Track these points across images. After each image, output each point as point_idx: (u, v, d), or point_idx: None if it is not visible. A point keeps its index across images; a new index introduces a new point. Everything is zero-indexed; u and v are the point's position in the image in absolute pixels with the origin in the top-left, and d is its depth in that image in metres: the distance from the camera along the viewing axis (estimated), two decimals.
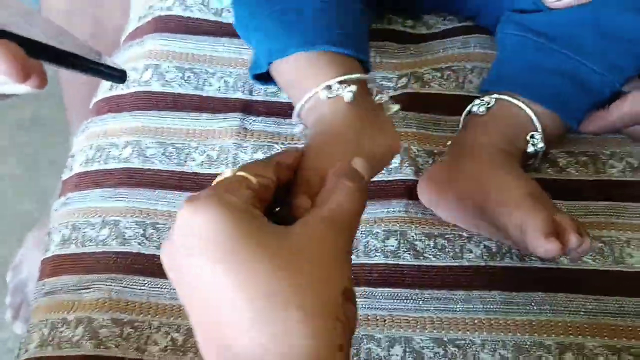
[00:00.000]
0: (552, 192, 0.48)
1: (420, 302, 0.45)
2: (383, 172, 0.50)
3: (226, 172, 0.33)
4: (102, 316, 0.45)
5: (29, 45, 0.30)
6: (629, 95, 0.46)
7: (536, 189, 0.43)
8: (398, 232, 0.48)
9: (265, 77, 0.48)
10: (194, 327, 0.29)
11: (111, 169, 0.53)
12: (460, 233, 0.48)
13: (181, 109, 0.55)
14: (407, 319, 0.44)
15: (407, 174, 0.51)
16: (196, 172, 0.52)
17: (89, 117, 0.58)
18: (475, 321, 0.44)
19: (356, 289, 0.45)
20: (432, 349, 0.43)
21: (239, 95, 0.56)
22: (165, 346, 0.44)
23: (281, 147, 0.53)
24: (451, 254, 0.47)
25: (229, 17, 0.59)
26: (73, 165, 0.56)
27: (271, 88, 0.55)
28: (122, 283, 0.47)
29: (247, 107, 0.55)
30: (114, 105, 0.57)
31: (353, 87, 0.42)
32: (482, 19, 0.58)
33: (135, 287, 0.47)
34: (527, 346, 0.43)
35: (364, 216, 0.49)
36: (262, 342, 0.27)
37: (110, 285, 0.47)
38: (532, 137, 0.47)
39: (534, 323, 0.44)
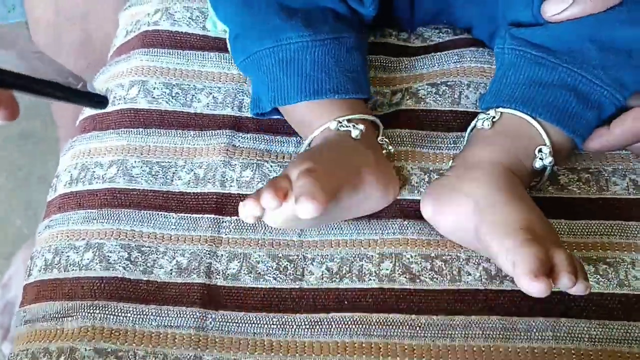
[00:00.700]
0: (554, 210, 0.47)
1: (417, 329, 0.43)
2: None
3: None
4: (84, 346, 0.43)
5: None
6: (631, 111, 0.45)
7: (535, 218, 0.41)
8: (393, 255, 0.46)
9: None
10: None
11: (95, 190, 0.51)
12: (458, 254, 0.46)
13: (168, 127, 0.53)
14: (403, 346, 0.43)
15: (401, 193, 0.49)
16: (182, 192, 0.50)
17: (76, 135, 0.56)
18: (475, 349, 0.42)
19: (350, 315, 0.44)
20: None
21: (228, 111, 0.54)
22: None
23: (271, 165, 0.51)
24: (448, 277, 0.45)
25: (218, 31, 0.57)
26: (57, 185, 0.54)
27: None
28: (105, 310, 0.45)
29: (237, 124, 0.53)
30: (99, 123, 0.55)
31: (361, 126, 0.47)
32: (477, 32, 0.56)
33: (119, 314, 0.45)
34: None
35: (358, 237, 0.48)
36: None
37: (94, 312, 0.45)
38: (540, 151, 0.45)
39: (536, 351, 0.42)
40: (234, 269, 0.47)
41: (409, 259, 0.46)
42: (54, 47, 0.77)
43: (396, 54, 0.57)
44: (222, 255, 0.47)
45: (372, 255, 0.46)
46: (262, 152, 0.52)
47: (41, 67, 0.34)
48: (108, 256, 0.47)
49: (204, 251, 0.47)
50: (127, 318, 0.45)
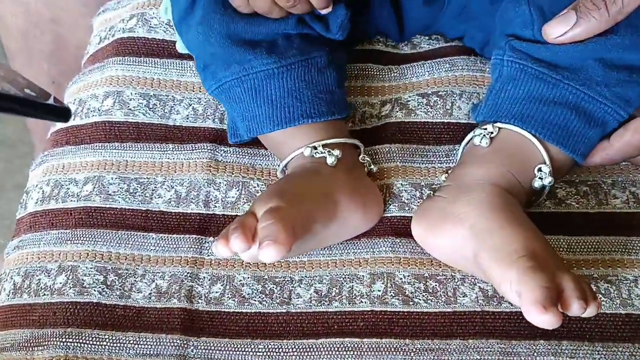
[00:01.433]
0: (552, 226, 0.45)
1: (412, 354, 0.41)
2: None
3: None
4: None
5: None
6: (631, 123, 0.43)
7: (535, 242, 0.39)
8: (385, 275, 0.44)
9: None
10: None
11: (70, 208, 0.48)
12: (453, 274, 0.44)
13: (145, 140, 0.50)
14: None
15: (391, 211, 0.47)
16: (163, 211, 0.47)
17: (47, 148, 0.53)
18: None
19: (340, 341, 0.41)
20: None
21: (209, 123, 0.51)
22: None
23: (257, 184, 0.48)
24: (443, 298, 0.43)
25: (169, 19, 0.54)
26: (27, 202, 0.51)
27: None
28: (80, 338, 0.42)
29: (219, 137, 0.50)
30: (73, 137, 0.52)
31: (337, 152, 0.45)
32: (468, 40, 0.54)
33: (94, 342, 0.42)
34: None
35: (347, 256, 0.45)
36: None
37: (67, 341, 0.42)
38: (539, 170, 0.43)
39: None
40: (216, 292, 0.44)
41: (401, 279, 0.44)
42: (27, 53, 0.74)
43: (385, 62, 0.54)
44: (204, 277, 0.45)
45: (362, 276, 0.44)
46: (247, 167, 0.49)
47: (4, 80, 0.31)
48: (82, 280, 0.45)
49: (185, 273, 0.45)
50: (103, 347, 0.42)
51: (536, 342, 0.41)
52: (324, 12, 0.45)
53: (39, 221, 0.49)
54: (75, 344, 0.42)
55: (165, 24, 0.55)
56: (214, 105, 0.52)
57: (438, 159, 0.49)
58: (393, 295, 0.43)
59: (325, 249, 0.45)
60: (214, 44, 0.46)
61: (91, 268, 0.45)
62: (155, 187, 0.48)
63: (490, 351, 0.41)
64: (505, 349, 0.41)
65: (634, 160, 0.46)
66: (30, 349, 0.42)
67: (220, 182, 0.48)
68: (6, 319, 0.45)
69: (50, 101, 0.31)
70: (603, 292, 0.42)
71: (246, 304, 0.44)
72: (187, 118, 0.52)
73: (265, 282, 0.44)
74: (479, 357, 0.40)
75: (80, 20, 0.69)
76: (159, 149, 0.50)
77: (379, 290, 0.43)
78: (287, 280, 0.45)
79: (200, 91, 0.53)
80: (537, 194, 0.45)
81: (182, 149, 0.50)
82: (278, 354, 0.42)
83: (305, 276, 0.45)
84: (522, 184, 0.43)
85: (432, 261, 0.44)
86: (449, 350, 0.41)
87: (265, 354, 0.42)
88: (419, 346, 0.41)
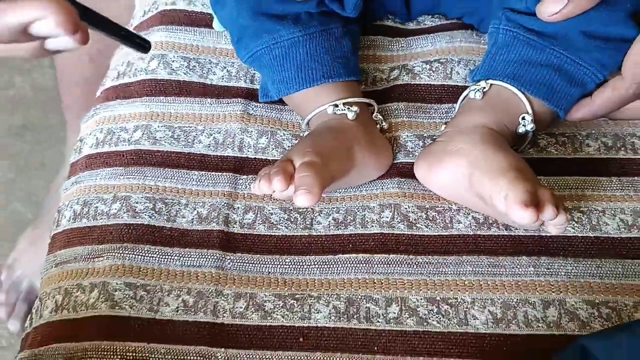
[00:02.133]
0: (534, 169, 0.52)
1: (414, 267, 0.49)
2: None
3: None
4: (115, 280, 0.48)
5: (78, 8, 0.34)
6: (610, 82, 0.51)
7: (522, 163, 0.47)
8: (392, 205, 0.52)
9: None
10: None
11: (122, 151, 0.56)
12: (450, 206, 0.52)
13: (187, 95, 0.58)
14: (402, 281, 0.48)
15: (398, 158, 0.55)
16: (203, 154, 0.55)
17: (98, 103, 0.61)
18: (466, 282, 0.48)
19: (354, 256, 0.49)
20: (427, 307, 0.46)
21: (241, 84, 0.59)
22: (177, 307, 0.47)
23: (284, 133, 0.56)
24: (441, 224, 0.51)
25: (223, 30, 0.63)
26: (82, 147, 0.58)
27: None
28: (134, 251, 0.50)
29: (250, 95, 0.58)
30: (122, 92, 0.60)
31: (356, 108, 0.52)
32: (467, 19, 0.63)
33: (146, 255, 0.50)
34: (513, 303, 0.46)
35: (360, 192, 0.53)
36: None
37: (123, 252, 0.49)
38: (523, 118, 0.51)
39: (519, 283, 0.47)
40: (249, 219, 0.52)
41: (406, 209, 0.51)
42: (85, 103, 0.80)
43: (393, 35, 0.63)
44: (238, 207, 0.52)
45: (373, 207, 0.52)
46: (275, 120, 0.57)
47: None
48: (134, 206, 0.52)
49: (222, 203, 0.52)
50: (154, 258, 0.49)
51: (519, 258, 0.48)
52: None
53: (94, 162, 0.56)
54: (131, 256, 0.49)
55: None
56: (245, 68, 0.60)
57: (439, 115, 0.57)
58: (399, 221, 0.51)
59: (339, 188, 0.53)
60: (246, 17, 0.54)
61: (142, 197, 0.53)
62: (196, 134, 0.56)
63: (481, 264, 0.48)
64: (494, 263, 0.48)
65: (610, 115, 0.54)
66: (92, 260, 0.50)
67: (252, 131, 0.56)
68: (68, 240, 0.52)
69: None
70: (576, 219, 0.50)
71: (274, 229, 0.51)
72: (222, 78, 0.60)
73: (291, 212, 0.52)
74: (471, 269, 0.48)
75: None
76: (199, 102, 0.58)
77: (387, 217, 0.51)
78: (309, 211, 0.52)
79: (233, 57, 0.61)
80: (521, 140, 0.53)
81: (219, 103, 0.58)
82: (302, 266, 0.49)
83: (325, 208, 0.52)
84: (509, 129, 0.51)
85: (432, 196, 0.52)
86: (446, 263, 0.49)
87: (291, 266, 0.49)
88: (420, 260, 0.49)
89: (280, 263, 0.49)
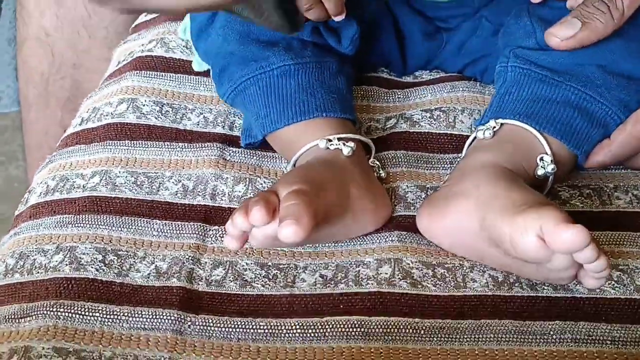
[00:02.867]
0: None
1: (422, 332, 0.39)
2: None
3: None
4: (42, 345, 0.38)
5: None
6: (630, 117, 0.45)
7: (544, 199, 0.39)
8: (392, 260, 0.43)
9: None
10: None
11: (74, 198, 0.48)
12: (461, 262, 0.43)
13: (156, 140, 0.51)
14: (406, 351, 0.38)
15: (397, 210, 0.47)
16: (169, 202, 0.47)
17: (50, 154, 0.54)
18: (487, 352, 0.38)
19: (347, 319, 0.40)
20: None
21: (218, 129, 0.53)
22: None
23: (265, 181, 0.49)
24: (452, 283, 0.42)
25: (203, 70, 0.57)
26: (29, 198, 0.50)
27: None
28: (71, 309, 0.40)
29: (227, 140, 0.51)
30: (83, 138, 0.53)
31: (352, 144, 0.45)
32: (469, 71, 0.58)
33: (86, 314, 0.40)
34: None
35: (353, 246, 0.45)
36: None
37: (57, 311, 0.40)
38: (541, 159, 0.44)
39: (555, 354, 0.38)
40: (218, 275, 0.43)
41: (409, 264, 0.43)
42: (43, 100, 0.76)
43: (389, 87, 0.57)
44: (206, 262, 0.44)
45: (369, 262, 0.43)
46: (254, 166, 0.50)
47: None
48: (80, 258, 0.43)
49: (187, 257, 0.44)
50: (95, 318, 0.40)
51: (552, 323, 0.39)
52: (337, 18, 0.48)
53: (40, 211, 0.48)
54: (66, 315, 0.40)
55: (183, 46, 0.59)
56: (224, 114, 0.54)
57: (442, 165, 0.50)
58: (400, 278, 0.42)
59: (331, 242, 0.45)
60: (233, 42, 0.48)
61: (90, 248, 0.44)
62: (162, 180, 0.48)
63: (505, 330, 0.39)
64: (520, 329, 0.39)
65: (629, 163, 0.47)
66: (17, 321, 0.40)
67: (227, 177, 0.49)
68: None
69: None
70: (616, 279, 0.42)
71: (248, 286, 0.42)
72: (198, 124, 0.53)
73: (269, 268, 0.43)
74: (493, 336, 0.39)
75: (97, 66, 0.73)
76: (168, 147, 0.51)
77: (386, 273, 0.42)
78: (292, 267, 0.43)
79: (212, 103, 0.55)
80: (539, 188, 0.45)
81: (191, 148, 0.51)
82: (280, 331, 0.39)
83: (310, 264, 0.44)
84: (526, 170, 0.44)
85: (439, 251, 0.44)
86: (461, 329, 0.39)
87: (267, 331, 0.40)
88: (428, 325, 0.39)
89: (254, 327, 0.40)
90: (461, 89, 0.55)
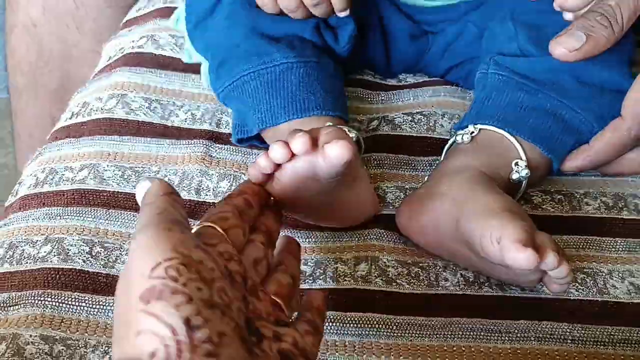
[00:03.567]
0: None
1: (394, 328, 0.41)
2: None
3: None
4: (30, 333, 0.39)
5: None
6: (610, 124, 0.46)
7: (518, 207, 0.41)
8: (369, 258, 0.45)
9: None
10: None
11: (62, 190, 0.49)
12: (435, 262, 0.45)
13: (143, 135, 0.53)
14: (379, 345, 0.40)
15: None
16: None
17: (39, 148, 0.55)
18: (455, 348, 0.40)
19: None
20: None
21: (205, 126, 0.54)
22: None
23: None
24: (426, 282, 0.44)
25: (193, 62, 0.58)
26: (19, 190, 0.51)
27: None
28: (58, 299, 0.41)
29: (213, 136, 0.53)
30: (72, 132, 0.54)
31: (354, 133, 0.46)
32: (452, 75, 0.59)
33: (72, 303, 0.41)
34: None
35: (333, 244, 0.46)
36: None
37: (44, 300, 0.41)
38: (516, 164, 0.46)
39: (518, 351, 0.40)
40: None
41: (385, 262, 0.44)
42: (32, 89, 0.77)
43: (373, 89, 0.59)
44: None
45: (347, 259, 0.45)
46: (239, 164, 0.51)
47: None
48: (67, 249, 0.45)
49: None
50: (82, 308, 0.41)
51: (517, 322, 0.41)
52: (342, 14, 0.49)
53: (30, 203, 0.49)
54: (54, 304, 0.41)
55: (173, 43, 0.60)
56: (211, 112, 0.55)
57: (422, 167, 0.52)
58: (376, 275, 0.44)
59: (309, 238, 0.46)
60: (237, 35, 0.49)
61: (78, 240, 0.45)
62: (149, 175, 0.50)
63: (472, 328, 0.41)
64: (487, 327, 0.41)
65: (604, 169, 0.49)
66: (5, 309, 0.41)
67: (212, 174, 0.50)
68: None
69: None
70: (579, 281, 0.44)
71: None
72: (185, 121, 0.54)
73: None
74: (461, 333, 0.41)
75: (87, 57, 0.74)
76: (156, 143, 0.52)
77: (363, 271, 0.44)
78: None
79: (199, 100, 0.56)
80: (512, 191, 0.47)
81: (178, 144, 0.52)
82: None
83: None
84: (501, 174, 0.46)
85: (415, 251, 0.45)
86: (431, 326, 0.41)
87: None
88: (400, 321, 0.41)
89: None
90: (442, 93, 0.57)
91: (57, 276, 0.43)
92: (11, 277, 0.44)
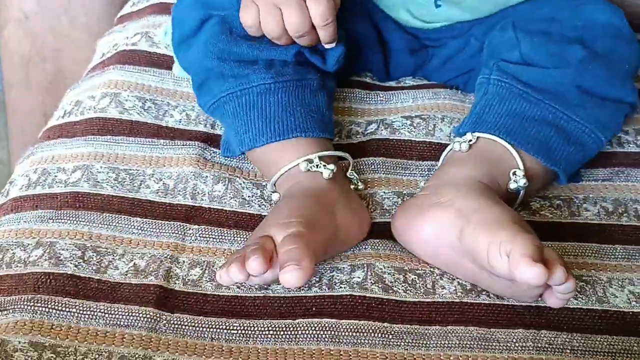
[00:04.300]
0: None
1: (390, 337, 0.40)
2: None
3: None
4: (18, 339, 0.39)
5: None
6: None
7: (523, 221, 0.41)
8: (365, 265, 0.44)
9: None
10: None
11: (55, 193, 0.48)
12: (432, 269, 0.44)
13: (137, 135, 0.52)
14: (374, 354, 0.39)
15: (374, 217, 0.48)
16: (150, 200, 0.48)
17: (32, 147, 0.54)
18: (452, 357, 0.39)
19: (317, 321, 0.41)
20: None
21: (200, 128, 0.53)
22: None
23: (244, 181, 0.49)
24: (422, 289, 0.43)
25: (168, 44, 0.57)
26: (10, 190, 0.51)
27: None
28: (48, 304, 0.41)
29: (208, 139, 0.52)
30: (65, 131, 0.53)
31: (332, 166, 0.46)
32: (450, 83, 0.58)
33: (63, 309, 0.41)
34: None
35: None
36: None
37: (34, 305, 0.40)
38: (514, 174, 0.45)
39: None
40: (195, 275, 0.44)
41: (381, 269, 0.44)
42: (25, 82, 0.76)
43: (371, 89, 0.58)
44: (183, 261, 0.44)
45: (343, 267, 0.44)
46: (234, 168, 0.50)
47: None
48: (59, 253, 0.44)
49: (165, 256, 0.44)
50: (72, 314, 0.40)
51: (515, 331, 0.40)
52: (328, 46, 0.48)
53: (21, 205, 0.48)
54: (43, 309, 0.40)
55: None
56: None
57: (420, 172, 0.51)
58: (373, 282, 0.43)
59: None
60: (213, 58, 0.48)
61: (69, 244, 0.44)
62: (143, 178, 0.49)
63: (470, 337, 0.40)
64: (485, 336, 0.40)
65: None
66: None
67: (207, 176, 0.49)
68: None
69: None
70: (579, 289, 0.43)
71: (223, 287, 0.43)
72: (180, 121, 0.53)
73: None
74: (458, 342, 0.40)
75: (80, 52, 0.73)
76: (150, 144, 0.51)
77: (359, 277, 0.43)
78: None
79: (194, 101, 0.55)
80: (510, 200, 0.46)
81: (173, 145, 0.51)
82: (253, 332, 0.41)
83: None
84: (499, 184, 0.45)
85: (411, 258, 0.45)
86: (428, 335, 0.40)
87: (240, 332, 0.41)
88: (397, 329, 0.41)
89: (227, 328, 0.41)
90: (442, 96, 0.56)
91: (48, 281, 0.42)
92: (0, 281, 0.43)
